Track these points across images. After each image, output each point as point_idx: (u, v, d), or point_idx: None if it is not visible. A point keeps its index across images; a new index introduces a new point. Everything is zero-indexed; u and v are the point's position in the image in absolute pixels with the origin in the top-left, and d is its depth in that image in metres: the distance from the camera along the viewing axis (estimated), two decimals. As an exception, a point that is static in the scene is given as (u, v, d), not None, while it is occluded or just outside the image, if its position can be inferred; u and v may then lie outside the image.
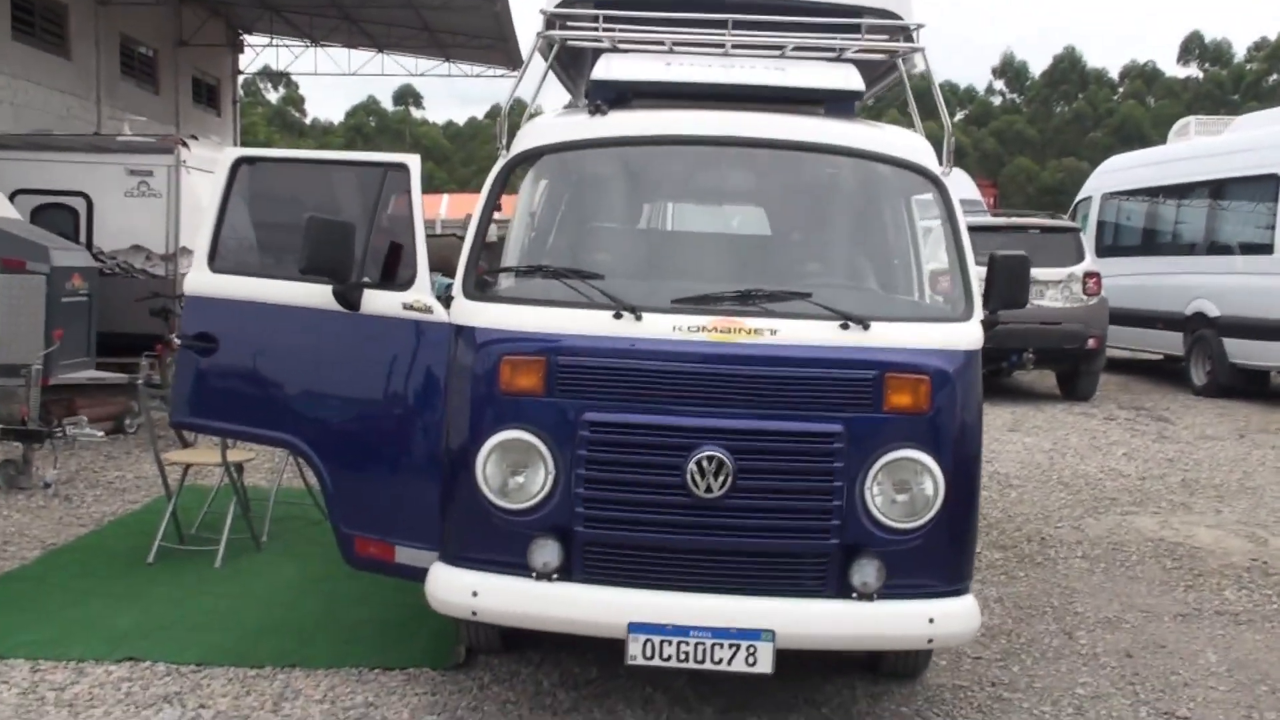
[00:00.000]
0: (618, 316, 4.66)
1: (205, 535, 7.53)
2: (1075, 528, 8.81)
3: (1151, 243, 18.63)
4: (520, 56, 31.53)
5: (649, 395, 4.60)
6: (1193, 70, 77.67)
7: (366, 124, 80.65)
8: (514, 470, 4.71)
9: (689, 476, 4.52)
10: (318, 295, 5.14)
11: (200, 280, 5.44)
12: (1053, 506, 9.52)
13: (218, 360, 5.40)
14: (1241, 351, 15.71)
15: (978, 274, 5.00)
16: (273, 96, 77.91)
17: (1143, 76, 79.06)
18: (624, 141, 5.13)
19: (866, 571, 4.60)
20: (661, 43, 5.46)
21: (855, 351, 4.64)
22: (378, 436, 5.12)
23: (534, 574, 4.64)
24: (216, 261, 5.47)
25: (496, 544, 4.72)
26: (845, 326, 4.66)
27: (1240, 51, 75.69)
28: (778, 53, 5.53)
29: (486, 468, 4.70)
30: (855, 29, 5.48)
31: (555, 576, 4.63)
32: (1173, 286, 17.18)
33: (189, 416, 5.55)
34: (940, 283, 5.51)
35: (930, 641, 4.66)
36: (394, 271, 5.25)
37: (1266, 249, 15.33)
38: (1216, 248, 16.78)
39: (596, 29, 5.41)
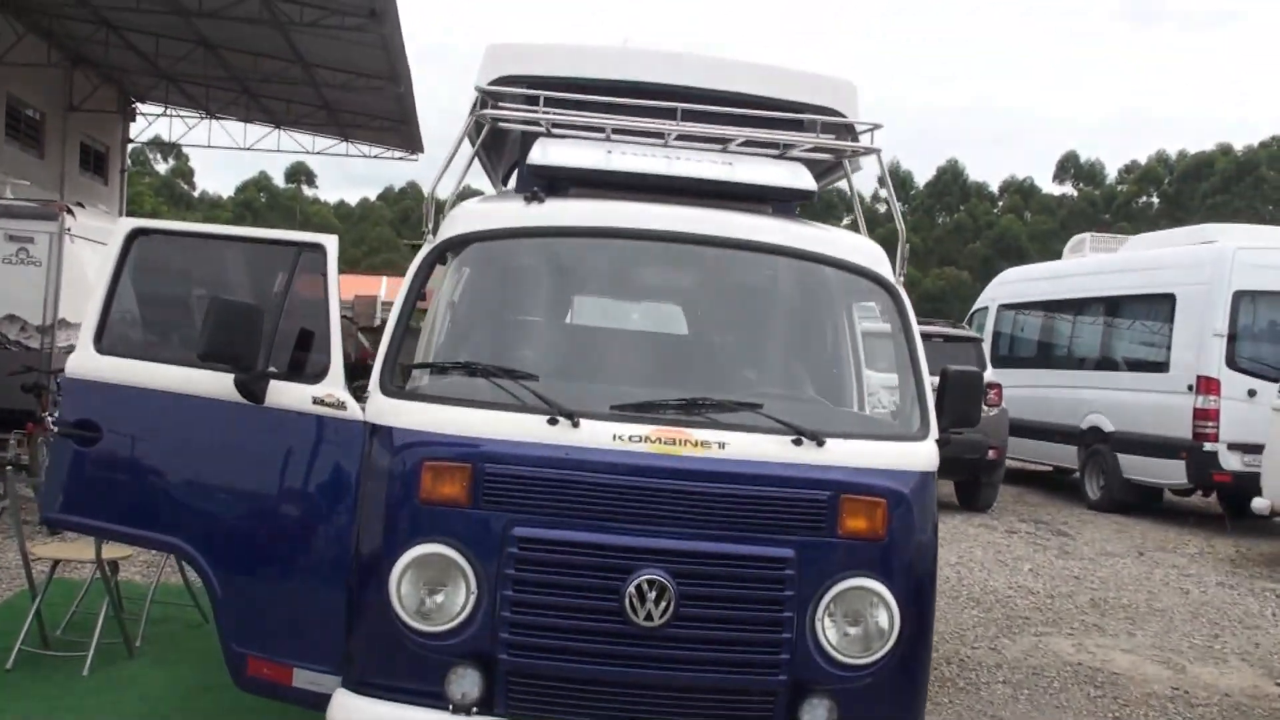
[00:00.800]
0: (553, 422, 4.27)
1: (73, 638, 6.86)
2: (993, 649, 8.53)
3: (1047, 355, 18.80)
4: (421, 140, 31.30)
5: (585, 510, 4.21)
6: (1068, 188, 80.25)
7: (257, 199, 79.30)
8: (432, 588, 4.26)
9: (627, 602, 4.12)
10: (217, 384, 4.66)
11: (84, 362, 4.92)
12: (967, 624, 9.25)
13: (99, 451, 4.86)
14: (1135, 467, 15.79)
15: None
16: (161, 167, 76.43)
17: (1020, 192, 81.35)
18: (561, 232, 4.77)
19: (818, 712, 4.22)
20: (601, 129, 5.13)
21: (809, 470, 4.30)
22: (277, 544, 4.63)
23: (451, 706, 4.17)
24: (104, 342, 4.95)
25: (409, 670, 4.25)
26: (799, 442, 4.32)
27: (1112, 173, 78.50)
28: (720, 147, 5.25)
29: (401, 584, 4.24)
30: (804, 125, 5.22)
31: (475, 710, 4.17)
32: (1067, 400, 17.29)
33: (63, 513, 4.98)
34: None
35: None
36: (302, 361, 4.80)
37: (1162, 366, 15.49)
38: (1111, 363, 16.95)
39: (534, 111, 5.06)
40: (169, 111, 34.36)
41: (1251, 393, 14.51)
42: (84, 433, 4.86)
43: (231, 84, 28.90)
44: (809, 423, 4.39)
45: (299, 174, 78.88)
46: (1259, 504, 13.18)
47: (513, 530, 4.18)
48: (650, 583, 4.12)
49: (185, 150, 62.63)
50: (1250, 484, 13.92)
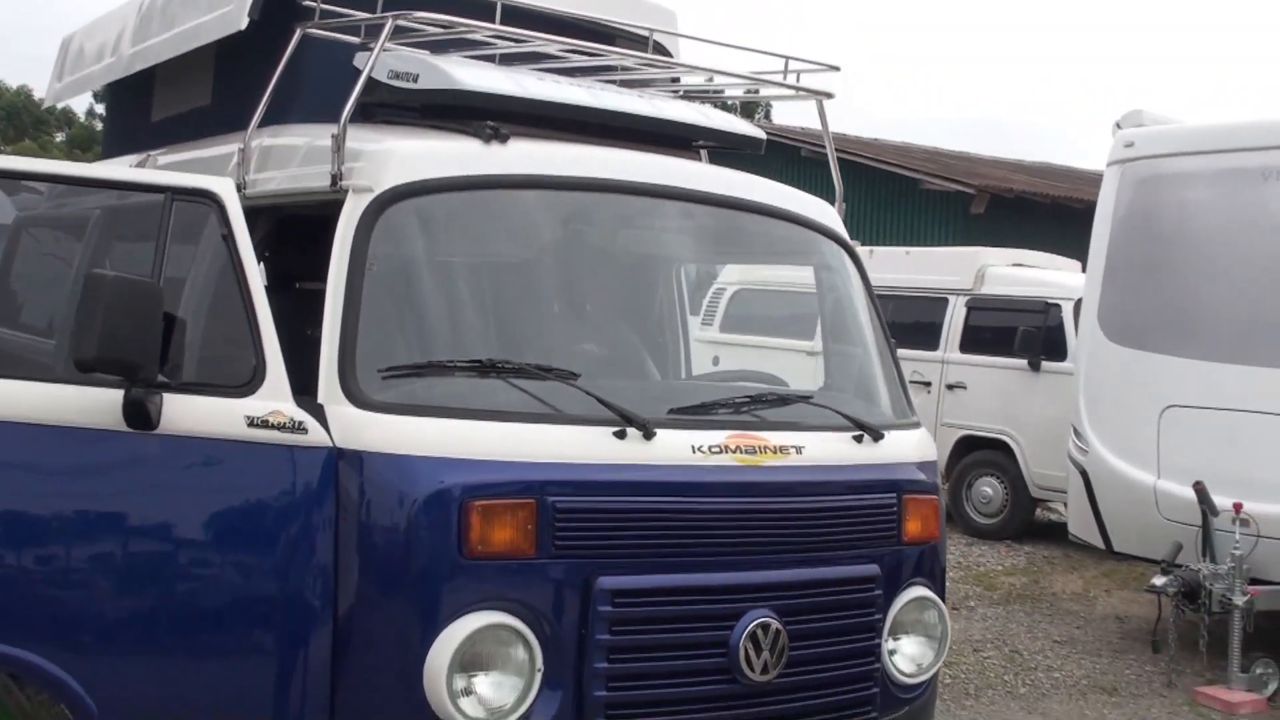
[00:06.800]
0: (620, 435, 3.29)
1: None
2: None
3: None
4: None
5: (676, 547, 3.31)
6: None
7: None
8: (479, 672, 3.12)
9: (742, 654, 3.30)
10: (74, 403, 3.03)
11: None
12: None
13: None
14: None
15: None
16: None
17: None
18: (542, 183, 3.65)
19: None
20: (490, 44, 4.05)
21: (879, 471, 3.75)
22: (199, 638, 3.12)
23: None
24: None
25: None
26: (859, 439, 3.73)
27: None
28: (602, 77, 4.35)
29: (451, 673, 3.05)
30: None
31: None
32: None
33: None
34: None
35: None
36: (175, 361, 3.26)
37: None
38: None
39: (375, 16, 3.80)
40: None
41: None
42: None
43: None
44: (852, 412, 3.82)
45: None
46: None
47: (599, 583, 3.17)
48: (764, 627, 3.33)
49: None
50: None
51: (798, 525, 3.49)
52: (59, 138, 54.04)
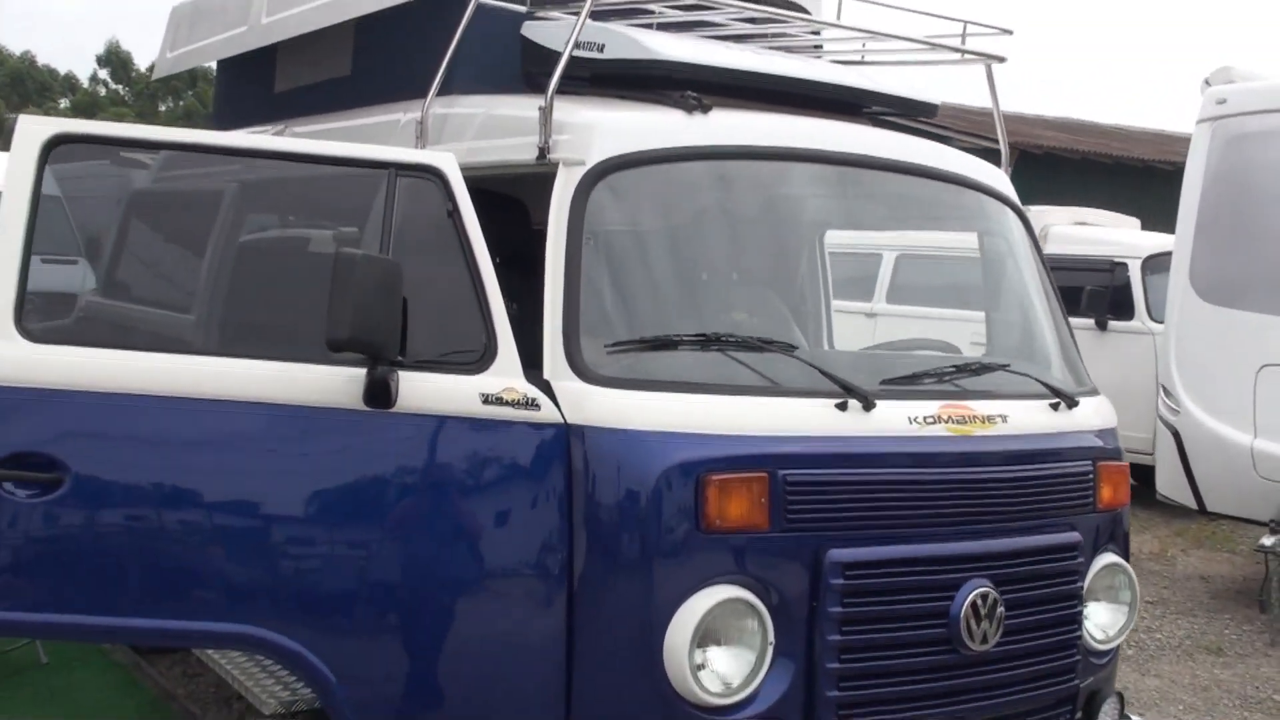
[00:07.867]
0: (841, 407, 3.28)
1: None
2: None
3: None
4: None
5: (899, 518, 3.31)
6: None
7: None
8: (718, 645, 3.13)
9: (963, 624, 3.30)
10: (307, 383, 3.03)
11: (11, 356, 2.96)
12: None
13: (61, 507, 2.97)
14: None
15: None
16: None
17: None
18: (749, 154, 3.63)
19: (1110, 716, 3.74)
20: (650, 12, 4.03)
21: (1075, 438, 3.76)
22: (431, 617, 3.13)
23: None
24: (32, 320, 3.02)
25: None
26: (1055, 406, 3.73)
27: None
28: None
29: (691, 649, 3.05)
30: None
31: None
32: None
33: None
34: None
35: None
36: (408, 339, 3.25)
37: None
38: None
39: None
40: None
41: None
42: (24, 474, 2.94)
43: None
44: (1048, 380, 3.83)
45: None
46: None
47: (829, 555, 3.17)
48: (984, 597, 3.34)
49: None
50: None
51: (1009, 494, 3.49)
52: (63, 104, 53.62)
